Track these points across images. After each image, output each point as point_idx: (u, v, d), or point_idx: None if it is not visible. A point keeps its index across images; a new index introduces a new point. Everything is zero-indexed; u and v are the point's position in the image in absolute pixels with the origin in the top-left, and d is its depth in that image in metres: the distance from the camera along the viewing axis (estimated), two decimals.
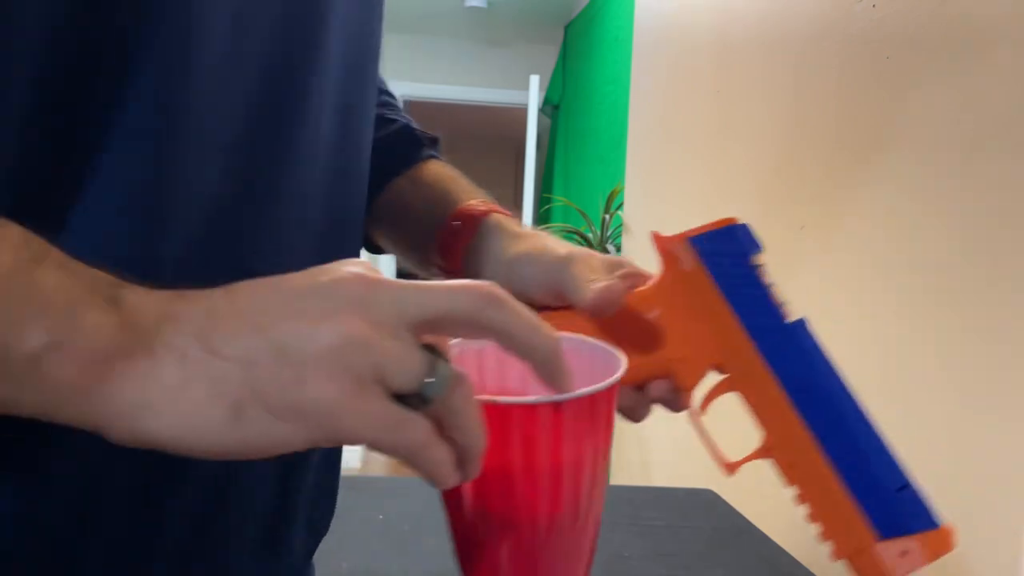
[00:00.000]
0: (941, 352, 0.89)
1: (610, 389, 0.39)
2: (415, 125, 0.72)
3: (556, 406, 0.36)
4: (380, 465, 4.18)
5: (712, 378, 0.52)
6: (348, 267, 0.32)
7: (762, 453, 0.51)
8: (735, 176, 1.51)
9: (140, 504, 0.40)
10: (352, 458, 4.16)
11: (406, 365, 0.31)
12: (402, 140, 0.70)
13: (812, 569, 1.14)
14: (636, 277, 0.53)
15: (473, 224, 0.59)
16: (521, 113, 7.19)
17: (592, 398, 0.37)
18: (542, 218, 5.48)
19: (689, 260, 0.50)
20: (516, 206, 9.64)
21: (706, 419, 0.55)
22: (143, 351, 0.29)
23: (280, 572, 0.52)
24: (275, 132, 0.43)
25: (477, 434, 0.33)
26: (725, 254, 0.49)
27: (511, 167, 9.51)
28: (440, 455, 0.32)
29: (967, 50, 0.87)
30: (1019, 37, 0.79)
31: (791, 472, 0.50)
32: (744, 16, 1.50)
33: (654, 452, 1.98)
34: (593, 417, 0.39)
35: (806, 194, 1.22)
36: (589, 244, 2.65)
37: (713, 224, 0.50)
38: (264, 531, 0.49)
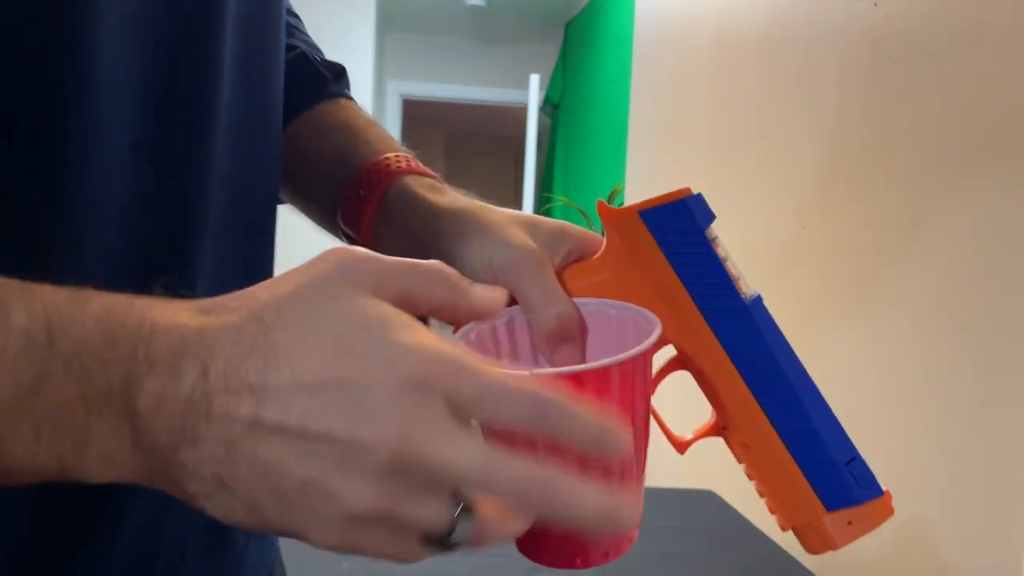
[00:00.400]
0: (941, 351, 0.89)
1: (650, 350, 0.43)
2: (317, 55, 0.59)
3: (616, 366, 0.39)
4: None
5: (664, 354, 0.50)
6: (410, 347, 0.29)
7: (714, 431, 0.52)
8: (735, 176, 1.51)
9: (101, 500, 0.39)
10: None
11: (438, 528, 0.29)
12: (300, 74, 0.56)
13: (812, 569, 1.14)
14: (583, 247, 0.48)
15: (380, 189, 0.49)
16: (521, 112, 7.19)
17: (641, 356, 0.41)
18: None
19: (640, 235, 0.46)
20: (516, 205, 9.63)
21: (662, 398, 0.54)
22: (163, 482, 0.28)
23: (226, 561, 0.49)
24: (181, 103, 0.40)
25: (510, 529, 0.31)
26: (677, 229, 0.47)
27: (511, 166, 9.52)
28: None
29: (967, 50, 0.86)
30: (1019, 37, 0.78)
31: (743, 450, 0.50)
32: (745, 15, 1.50)
33: (654, 452, 1.98)
34: (644, 372, 0.43)
35: (807, 194, 1.22)
36: None
37: (665, 197, 0.47)
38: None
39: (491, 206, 0.48)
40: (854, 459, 0.48)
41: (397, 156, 0.51)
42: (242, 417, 0.27)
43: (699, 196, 0.47)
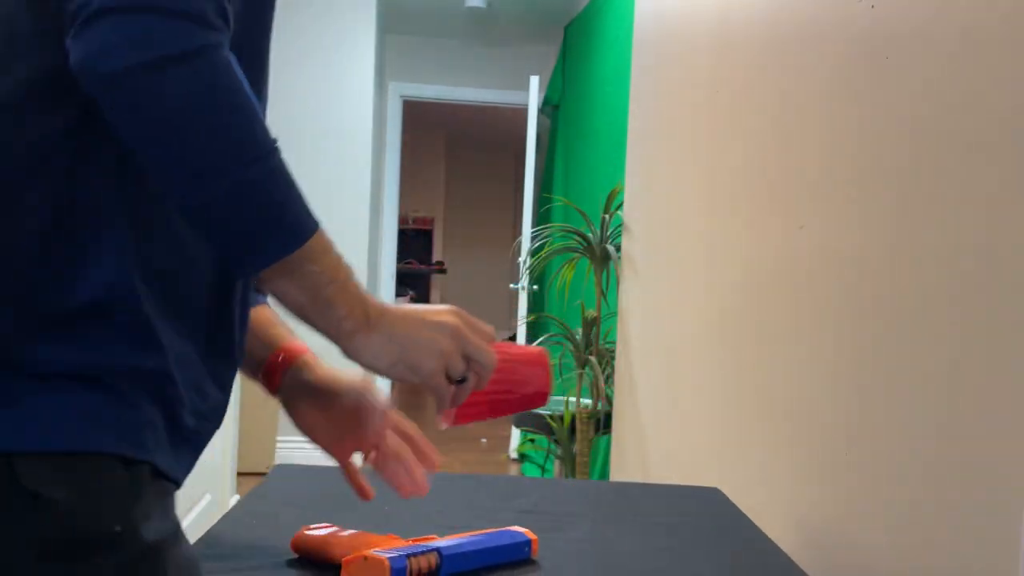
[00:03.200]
0: (941, 350, 0.89)
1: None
2: None
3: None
4: None
5: None
6: (451, 317, 0.71)
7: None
8: (734, 176, 1.52)
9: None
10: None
11: (458, 370, 0.71)
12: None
13: (807, 570, 1.15)
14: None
15: (288, 360, 0.88)
16: (521, 113, 7.19)
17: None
18: (542, 218, 5.48)
19: None
20: (516, 206, 9.62)
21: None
22: (372, 329, 0.67)
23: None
24: None
25: (484, 375, 0.73)
26: None
27: (511, 167, 9.52)
28: (445, 393, 0.71)
29: (964, 51, 0.87)
30: (1019, 37, 0.79)
31: None
32: (743, 17, 1.50)
33: (663, 451, 1.98)
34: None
35: (805, 194, 1.23)
36: (589, 244, 2.66)
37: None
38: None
39: (341, 374, 0.92)
40: None
41: (295, 344, 0.90)
42: (405, 314, 0.70)
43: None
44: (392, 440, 0.93)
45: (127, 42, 0.53)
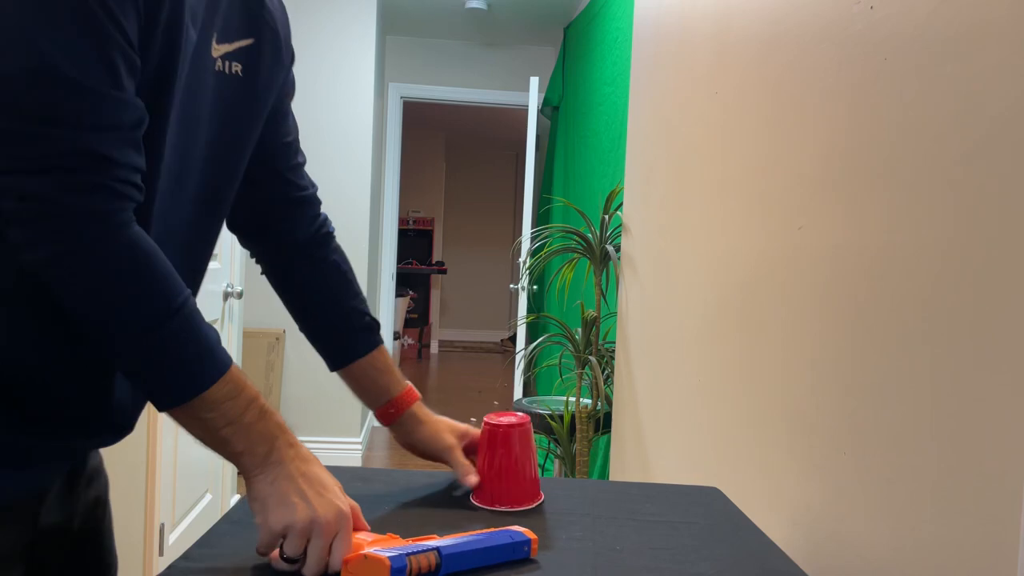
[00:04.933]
0: (940, 349, 0.90)
1: None
2: (366, 307, 1.17)
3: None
4: (381, 461, 4.20)
5: None
6: (332, 509, 0.78)
7: None
8: (734, 177, 1.52)
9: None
10: (354, 458, 4.18)
11: (289, 550, 0.77)
12: (364, 326, 1.14)
13: (803, 566, 1.15)
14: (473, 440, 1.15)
15: (400, 409, 1.13)
16: (521, 114, 7.19)
17: None
18: (542, 218, 5.48)
19: None
20: (516, 206, 9.60)
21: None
22: (264, 470, 0.79)
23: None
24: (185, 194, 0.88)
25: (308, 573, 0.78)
26: None
27: (511, 168, 9.52)
28: (263, 550, 0.80)
29: (963, 52, 0.88)
30: (1018, 37, 0.80)
31: None
32: (743, 18, 1.51)
33: (662, 450, 1.99)
34: None
35: (804, 195, 1.23)
36: (588, 244, 2.66)
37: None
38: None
39: (440, 418, 1.16)
40: None
41: (408, 390, 1.15)
42: (290, 473, 0.79)
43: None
44: None
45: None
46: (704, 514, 1.11)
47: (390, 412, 1.13)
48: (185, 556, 0.86)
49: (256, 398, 0.78)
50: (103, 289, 0.69)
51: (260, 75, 0.93)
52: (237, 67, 0.90)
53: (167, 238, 0.82)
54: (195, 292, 0.93)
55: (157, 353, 0.72)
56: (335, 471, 1.07)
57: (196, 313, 0.74)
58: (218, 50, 0.86)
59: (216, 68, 0.86)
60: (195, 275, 0.94)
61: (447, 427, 1.14)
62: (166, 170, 0.80)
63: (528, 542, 0.89)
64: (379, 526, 1.00)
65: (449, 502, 1.10)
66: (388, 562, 0.75)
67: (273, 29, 0.95)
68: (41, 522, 0.82)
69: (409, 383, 1.15)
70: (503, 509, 1.07)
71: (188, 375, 0.73)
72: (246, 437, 0.77)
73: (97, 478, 0.95)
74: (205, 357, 0.74)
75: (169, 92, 0.78)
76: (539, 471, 1.01)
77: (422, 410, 1.14)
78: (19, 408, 0.74)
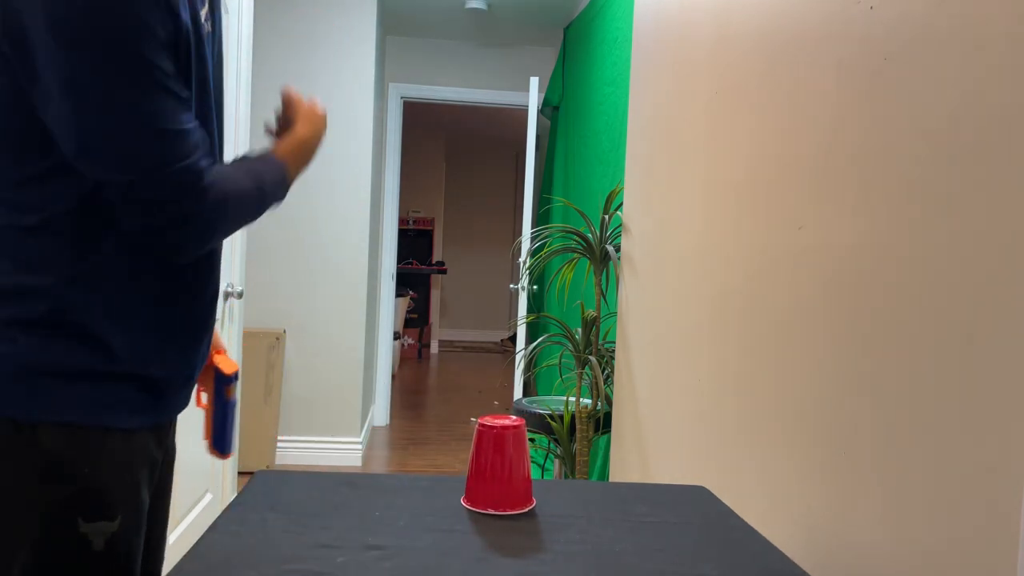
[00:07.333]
0: (939, 349, 0.90)
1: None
2: None
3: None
4: (380, 461, 4.19)
5: None
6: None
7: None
8: (733, 177, 1.52)
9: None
10: (354, 458, 4.18)
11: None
12: None
13: (802, 566, 1.15)
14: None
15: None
16: (521, 114, 7.20)
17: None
18: (542, 218, 5.48)
19: None
20: (516, 206, 9.59)
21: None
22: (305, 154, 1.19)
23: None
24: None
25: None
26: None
27: (511, 168, 9.52)
28: None
29: (963, 53, 0.88)
30: (1017, 37, 0.80)
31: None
32: (743, 18, 1.51)
33: (651, 450, 1.99)
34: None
35: (804, 195, 1.23)
36: (588, 244, 2.66)
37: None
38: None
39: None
40: None
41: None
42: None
43: None
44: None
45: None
46: (696, 514, 1.11)
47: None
48: (177, 570, 0.86)
49: (284, 164, 1.11)
50: (231, 208, 0.98)
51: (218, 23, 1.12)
52: (209, 24, 1.05)
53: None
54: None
55: (267, 196, 1.06)
56: (329, 474, 1.07)
57: (257, 162, 1.07)
58: (203, 15, 1.02)
59: (206, 32, 1.02)
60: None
61: None
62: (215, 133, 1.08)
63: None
64: (368, 529, 1.00)
65: (439, 506, 1.10)
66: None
67: None
68: (167, 443, 1.08)
69: None
70: (495, 512, 1.07)
71: (282, 187, 1.09)
72: (298, 167, 1.14)
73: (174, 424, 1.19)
74: (278, 175, 1.09)
75: (204, 85, 1.02)
76: (539, 472, 1.05)
77: None
78: (161, 351, 1.00)
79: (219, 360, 1.18)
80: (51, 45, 0.83)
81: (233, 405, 1.19)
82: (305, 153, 1.14)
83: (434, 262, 9.06)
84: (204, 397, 1.20)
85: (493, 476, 1.08)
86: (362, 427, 4.36)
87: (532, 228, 4.51)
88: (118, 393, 0.95)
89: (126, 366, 0.96)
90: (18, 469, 0.88)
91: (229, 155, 2.59)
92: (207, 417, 1.19)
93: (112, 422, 0.94)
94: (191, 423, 2.41)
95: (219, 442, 1.17)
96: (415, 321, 8.88)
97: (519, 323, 3.95)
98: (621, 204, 2.57)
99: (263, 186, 1.04)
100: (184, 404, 1.08)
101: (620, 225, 2.55)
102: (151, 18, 0.86)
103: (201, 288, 1.05)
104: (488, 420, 1.10)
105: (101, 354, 0.93)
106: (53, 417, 0.90)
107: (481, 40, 5.19)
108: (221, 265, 1.17)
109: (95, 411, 0.93)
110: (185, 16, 0.92)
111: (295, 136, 1.14)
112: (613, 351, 2.66)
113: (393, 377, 6.84)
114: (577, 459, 2.63)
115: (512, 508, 1.08)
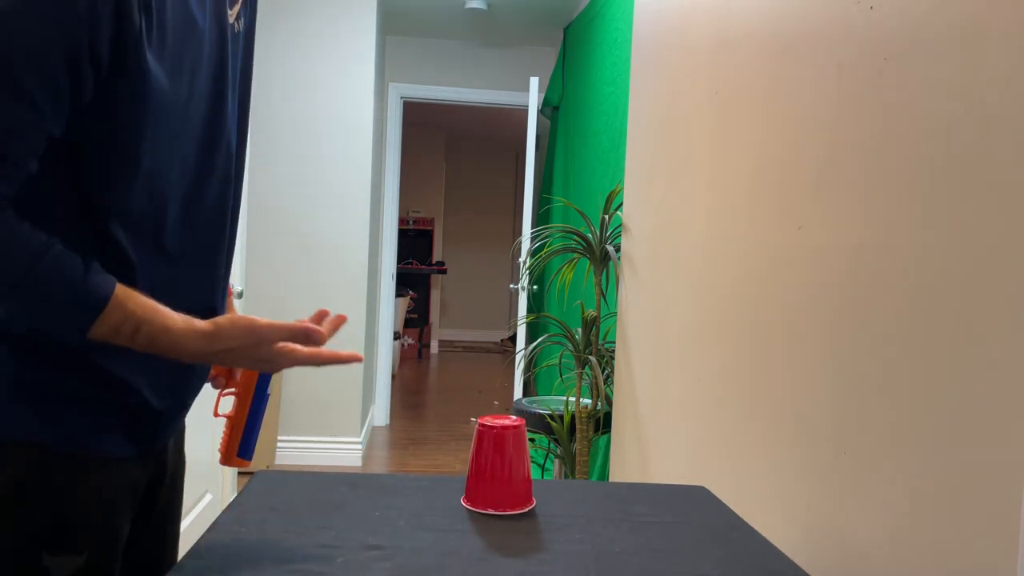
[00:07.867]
0: (938, 349, 0.90)
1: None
2: None
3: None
4: (381, 461, 4.19)
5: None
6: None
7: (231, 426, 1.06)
8: (733, 177, 1.52)
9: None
10: (354, 458, 4.18)
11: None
12: None
13: (802, 565, 1.15)
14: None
15: None
16: (521, 114, 7.20)
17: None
18: (542, 218, 5.48)
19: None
20: (516, 206, 9.59)
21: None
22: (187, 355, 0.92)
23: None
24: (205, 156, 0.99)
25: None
26: None
27: (511, 168, 9.52)
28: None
29: (962, 53, 0.88)
30: (1018, 38, 0.80)
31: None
32: (743, 18, 1.51)
33: (651, 451, 1.99)
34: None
35: (804, 195, 1.23)
36: (588, 244, 2.67)
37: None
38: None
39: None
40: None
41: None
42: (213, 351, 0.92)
43: None
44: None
45: None
46: (696, 514, 1.11)
47: None
48: (177, 569, 0.86)
49: (137, 327, 0.84)
50: None
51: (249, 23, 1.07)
52: (240, 24, 1.02)
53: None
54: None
55: (33, 302, 0.80)
56: (329, 474, 1.06)
57: (64, 258, 0.80)
58: (232, 15, 1.00)
59: (235, 31, 1.00)
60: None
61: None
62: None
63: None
64: (368, 529, 1.00)
65: (439, 506, 1.10)
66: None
67: None
68: (164, 458, 1.04)
69: None
70: (495, 512, 1.07)
71: (70, 317, 0.82)
72: (151, 348, 0.87)
73: (181, 435, 1.14)
74: (81, 296, 0.81)
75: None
76: (539, 472, 1.05)
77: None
78: (152, 380, 0.95)
79: None
80: None
81: (267, 401, 1.06)
82: (171, 346, 0.87)
83: (434, 262, 9.06)
84: (223, 405, 1.13)
85: (493, 476, 1.08)
86: (362, 427, 4.36)
87: (532, 228, 4.51)
88: (101, 418, 0.89)
89: (113, 391, 0.90)
90: None
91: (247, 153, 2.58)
92: (233, 425, 1.04)
93: (90, 449, 0.88)
94: (191, 423, 2.41)
95: (246, 448, 1.04)
96: (415, 321, 8.88)
97: (519, 323, 3.95)
98: (621, 204, 2.57)
99: (39, 284, 0.79)
100: (174, 432, 1.03)
101: (620, 225, 2.55)
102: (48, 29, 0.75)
103: (191, 308, 0.94)
104: (488, 420, 1.10)
105: (86, 375, 0.88)
106: (25, 436, 0.84)
107: (481, 40, 5.19)
108: (220, 281, 1.06)
109: (73, 435, 0.87)
110: (136, 22, 0.81)
111: (199, 337, 0.88)
112: (613, 351, 2.66)
113: (393, 377, 6.84)
114: (577, 459, 2.63)
115: (512, 508, 1.08)
